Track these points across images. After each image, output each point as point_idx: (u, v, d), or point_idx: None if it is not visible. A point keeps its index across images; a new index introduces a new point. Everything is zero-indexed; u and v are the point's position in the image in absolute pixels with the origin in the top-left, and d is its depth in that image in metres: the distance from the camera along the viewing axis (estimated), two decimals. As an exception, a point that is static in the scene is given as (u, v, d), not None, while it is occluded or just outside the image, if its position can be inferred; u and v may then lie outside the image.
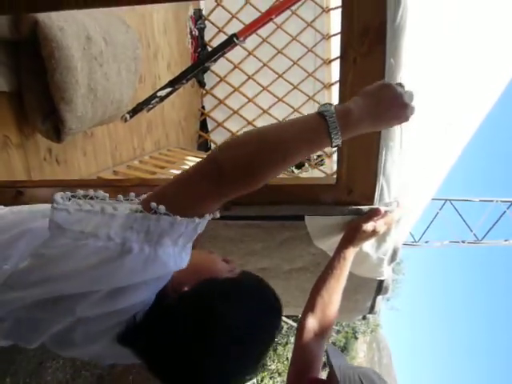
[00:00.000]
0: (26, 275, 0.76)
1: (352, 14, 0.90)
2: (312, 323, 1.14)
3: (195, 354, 0.77)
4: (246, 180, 0.75)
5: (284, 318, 7.73)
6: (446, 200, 7.10)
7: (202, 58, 3.94)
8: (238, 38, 2.63)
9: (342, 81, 0.98)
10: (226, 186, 0.74)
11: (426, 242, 7.28)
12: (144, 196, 0.80)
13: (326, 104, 0.77)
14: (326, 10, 4.22)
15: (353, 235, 1.20)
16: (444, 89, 1.20)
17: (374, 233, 1.20)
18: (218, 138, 4.45)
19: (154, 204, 0.72)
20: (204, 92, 4.50)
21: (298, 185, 1.26)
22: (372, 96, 0.77)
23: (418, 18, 0.94)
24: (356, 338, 16.78)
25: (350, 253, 1.21)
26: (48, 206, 0.78)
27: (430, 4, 1.01)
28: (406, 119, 0.81)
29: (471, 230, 6.84)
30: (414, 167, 1.27)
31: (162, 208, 0.72)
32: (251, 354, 0.82)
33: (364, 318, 2.14)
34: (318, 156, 4.59)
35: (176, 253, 0.76)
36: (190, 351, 0.77)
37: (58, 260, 0.73)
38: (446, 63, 1.14)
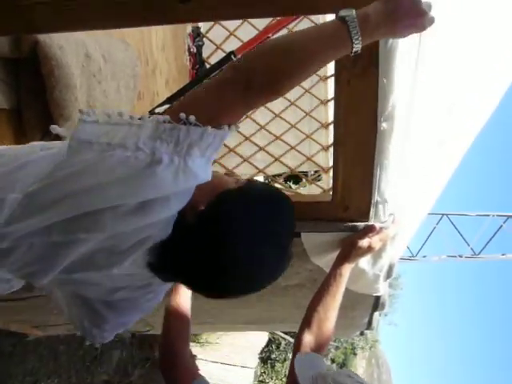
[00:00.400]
0: (41, 196, 0.74)
1: (345, 37, 0.92)
2: (308, 339, 1.15)
3: (220, 266, 0.79)
4: (273, 88, 0.75)
5: (282, 334, 7.67)
6: (443, 215, 7.13)
7: (200, 74, 3.98)
8: (235, 56, 2.68)
9: (337, 101, 1.00)
10: (253, 94, 0.75)
11: (424, 257, 7.28)
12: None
13: (346, 9, 0.77)
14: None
15: (348, 251, 1.21)
16: (437, 105, 1.23)
17: (369, 249, 1.21)
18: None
19: (183, 114, 0.72)
20: (202, 108, 4.53)
21: (294, 202, 1.27)
22: (390, 2, 0.77)
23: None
24: (355, 354, 16.64)
25: (346, 269, 1.22)
26: (44, 142, 0.76)
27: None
28: (423, 28, 0.80)
29: (468, 245, 6.85)
30: (409, 184, 1.29)
31: (192, 118, 0.72)
32: (274, 252, 0.83)
33: (362, 333, 2.14)
34: (316, 171, 4.61)
35: (203, 164, 0.76)
36: (214, 263, 0.79)
37: (79, 175, 0.72)
38: (436, 80, 1.16)
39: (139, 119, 0.73)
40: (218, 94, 0.75)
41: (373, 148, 1.06)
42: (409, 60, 0.98)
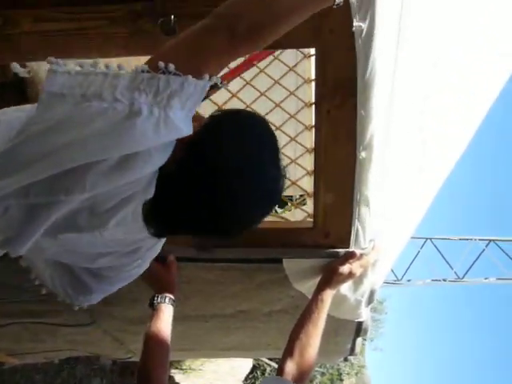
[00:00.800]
0: (15, 155, 0.69)
1: (325, 70, 0.96)
2: (291, 368, 1.15)
3: (216, 202, 0.76)
4: (258, 34, 0.73)
5: (266, 361, 7.56)
6: (427, 239, 7.20)
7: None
8: (221, 82, 2.72)
9: (317, 131, 1.03)
10: (238, 41, 0.71)
11: (409, 281, 7.31)
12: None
13: None
14: (307, 56, 4.39)
15: (330, 278, 1.23)
16: (413, 132, 1.26)
17: (350, 275, 1.22)
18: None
19: (161, 63, 0.68)
20: (188, 132, 4.57)
21: (276, 228, 1.29)
22: None
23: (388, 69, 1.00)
24: (341, 380, 16.40)
25: (328, 295, 1.23)
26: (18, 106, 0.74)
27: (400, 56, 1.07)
28: None
29: (452, 268, 6.91)
30: (389, 210, 1.31)
31: (171, 67, 0.67)
32: (267, 174, 0.80)
33: (346, 359, 2.13)
34: (301, 195, 4.64)
35: (184, 117, 0.71)
36: (209, 202, 0.75)
37: (56, 130, 0.67)
38: (415, 106, 1.20)
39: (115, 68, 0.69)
40: (199, 42, 0.71)
41: (352, 176, 1.09)
42: (386, 90, 1.02)
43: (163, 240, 1.00)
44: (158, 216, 0.81)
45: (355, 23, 0.90)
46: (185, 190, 0.77)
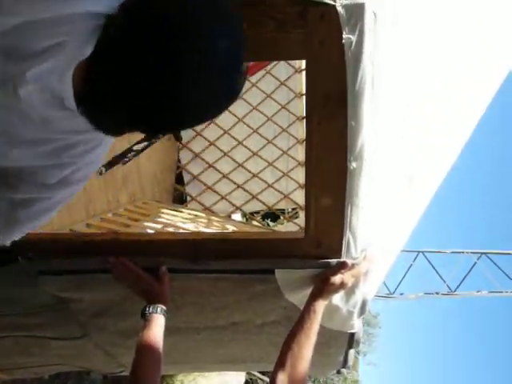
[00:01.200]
0: None
1: (315, 81, 0.98)
2: (282, 380, 1.14)
3: (171, 68, 0.61)
4: None
5: (259, 375, 7.48)
6: (419, 252, 7.23)
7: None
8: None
9: (308, 142, 1.05)
10: None
11: (401, 294, 7.32)
12: None
13: None
14: (299, 71, 4.45)
15: (321, 288, 1.23)
16: (405, 143, 1.28)
17: (342, 285, 1.23)
18: (193, 191, 4.49)
19: None
20: (180, 146, 4.58)
21: (267, 239, 1.29)
22: None
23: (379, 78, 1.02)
24: (335, 395, 16.25)
25: (320, 306, 1.23)
26: None
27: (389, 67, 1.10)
28: None
29: (444, 282, 6.93)
30: (381, 220, 1.32)
31: None
32: (230, 30, 0.66)
33: (338, 372, 2.11)
34: (293, 209, 4.66)
35: None
36: (162, 68, 0.61)
37: None
38: (406, 116, 1.22)
39: None
40: None
41: (343, 186, 1.10)
42: (375, 100, 1.04)
43: (105, 144, 0.83)
44: (90, 84, 0.66)
45: (345, 35, 0.93)
46: (123, 52, 0.63)
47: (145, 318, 1.19)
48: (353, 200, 1.14)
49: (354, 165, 1.08)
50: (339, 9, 0.90)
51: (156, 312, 1.19)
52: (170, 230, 3.10)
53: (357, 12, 0.91)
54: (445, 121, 1.41)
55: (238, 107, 4.39)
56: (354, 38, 0.93)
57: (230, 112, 4.39)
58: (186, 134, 4.50)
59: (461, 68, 1.37)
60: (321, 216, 1.18)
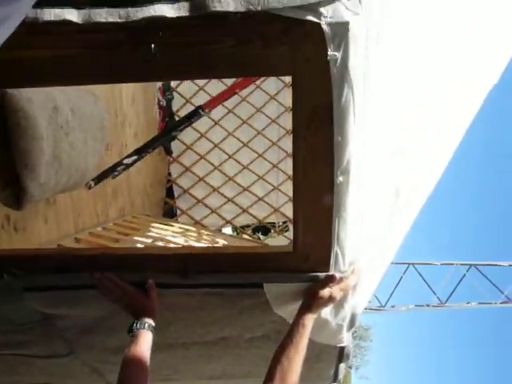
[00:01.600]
0: None
1: (301, 97, 0.99)
2: None
3: None
4: None
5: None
6: (409, 264, 7.25)
7: (169, 127, 4.06)
8: (203, 110, 2.75)
9: (295, 157, 1.06)
10: None
11: (392, 307, 7.32)
12: None
13: None
14: (288, 85, 4.49)
15: (310, 302, 1.23)
16: (392, 156, 1.29)
17: (330, 299, 1.23)
18: (183, 204, 4.48)
19: None
20: (171, 159, 4.58)
21: (256, 253, 1.30)
22: None
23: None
24: (327, 411, 16.09)
25: (309, 320, 1.23)
26: None
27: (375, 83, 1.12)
28: None
29: (435, 294, 6.95)
30: (369, 234, 1.33)
31: None
32: None
33: (329, 387, 2.10)
34: (283, 222, 4.66)
35: None
36: None
37: None
38: (396, 125, 1.24)
39: None
40: None
41: (331, 200, 1.11)
42: (361, 114, 1.06)
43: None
44: None
45: (330, 52, 0.94)
46: None
47: (132, 334, 1.18)
48: (340, 214, 1.15)
49: (340, 179, 1.09)
50: (324, 27, 0.92)
51: (143, 328, 1.18)
52: (160, 244, 3.08)
53: (341, 30, 0.93)
54: (436, 128, 1.43)
55: (228, 121, 4.42)
56: (339, 55, 0.94)
57: (220, 126, 4.41)
58: (177, 148, 4.51)
59: (452, 76, 1.39)
60: (309, 230, 1.19)
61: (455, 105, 1.51)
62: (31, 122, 1.89)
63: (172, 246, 3.07)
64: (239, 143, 4.41)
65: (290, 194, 4.39)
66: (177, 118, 4.35)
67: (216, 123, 4.40)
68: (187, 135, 4.29)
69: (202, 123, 4.11)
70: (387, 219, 1.40)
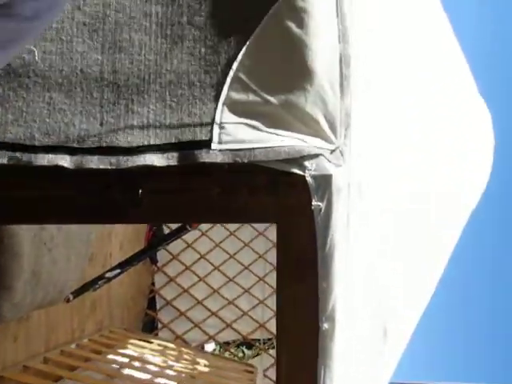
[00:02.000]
0: None
1: (286, 245, 1.00)
2: None
3: None
4: None
5: None
6: (401, 386, 6.84)
7: (155, 242, 4.06)
8: (190, 226, 2.77)
9: (278, 306, 1.03)
10: None
11: None
12: None
13: None
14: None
15: None
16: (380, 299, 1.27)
17: None
18: (165, 317, 4.31)
19: None
20: (156, 269, 4.50)
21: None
22: None
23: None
24: None
25: None
26: None
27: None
28: None
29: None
30: (356, 379, 1.26)
31: None
32: None
33: None
34: (269, 339, 4.47)
35: None
36: None
37: None
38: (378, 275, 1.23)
39: None
40: None
41: (315, 348, 1.06)
42: (345, 260, 1.05)
43: None
44: None
45: (314, 203, 0.97)
46: None
47: None
48: (326, 362, 1.09)
49: (326, 325, 1.05)
50: (308, 179, 0.95)
51: None
52: (137, 364, 2.90)
53: (325, 181, 0.96)
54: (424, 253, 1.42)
55: (215, 233, 4.44)
56: (322, 205, 0.97)
57: (207, 237, 4.42)
58: (163, 258, 4.46)
59: (441, 113, 1.41)
60: (292, 376, 1.12)
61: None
62: (14, 240, 1.87)
63: (148, 366, 2.90)
64: (226, 255, 4.38)
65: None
66: (164, 227, 4.36)
67: (203, 234, 4.41)
68: (174, 245, 4.27)
69: (189, 234, 4.12)
70: (375, 363, 1.33)
